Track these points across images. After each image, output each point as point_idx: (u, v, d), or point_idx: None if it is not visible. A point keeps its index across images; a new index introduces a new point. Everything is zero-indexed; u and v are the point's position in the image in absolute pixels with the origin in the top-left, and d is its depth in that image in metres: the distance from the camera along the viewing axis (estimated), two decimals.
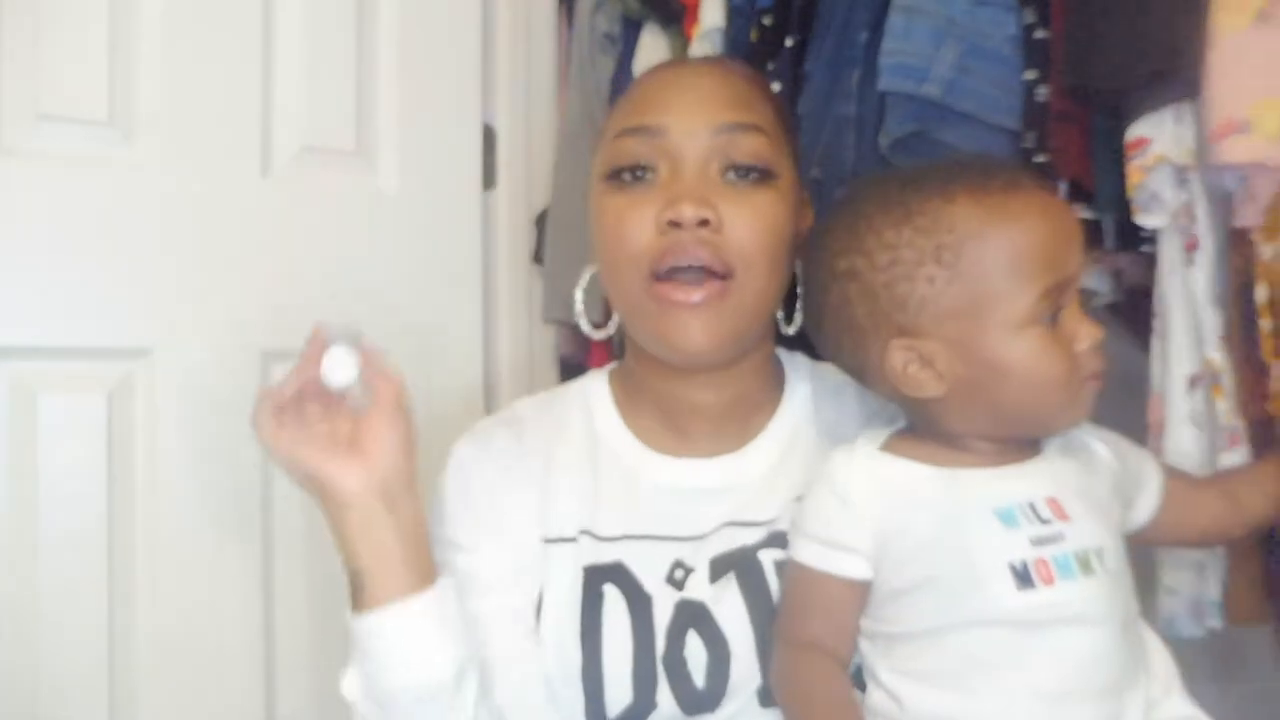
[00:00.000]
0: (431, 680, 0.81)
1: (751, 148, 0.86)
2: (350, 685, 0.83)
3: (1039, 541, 0.73)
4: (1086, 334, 0.76)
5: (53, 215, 1.19)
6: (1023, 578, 0.72)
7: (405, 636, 0.81)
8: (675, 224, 0.83)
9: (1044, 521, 0.74)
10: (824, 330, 0.84)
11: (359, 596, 0.81)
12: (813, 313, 0.85)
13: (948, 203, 0.75)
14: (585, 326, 0.96)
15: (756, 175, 0.86)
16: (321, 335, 0.84)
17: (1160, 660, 0.82)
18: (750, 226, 0.84)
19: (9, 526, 1.16)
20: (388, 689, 0.81)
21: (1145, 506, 0.84)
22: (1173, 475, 0.87)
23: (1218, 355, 1.00)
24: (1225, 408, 1.00)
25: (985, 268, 0.74)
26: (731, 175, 0.85)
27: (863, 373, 0.83)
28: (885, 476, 0.79)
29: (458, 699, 0.82)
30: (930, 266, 0.75)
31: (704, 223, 0.83)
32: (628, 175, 0.87)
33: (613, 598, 0.85)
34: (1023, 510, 0.74)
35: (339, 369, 0.84)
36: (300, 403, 0.85)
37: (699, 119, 0.85)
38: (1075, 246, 0.77)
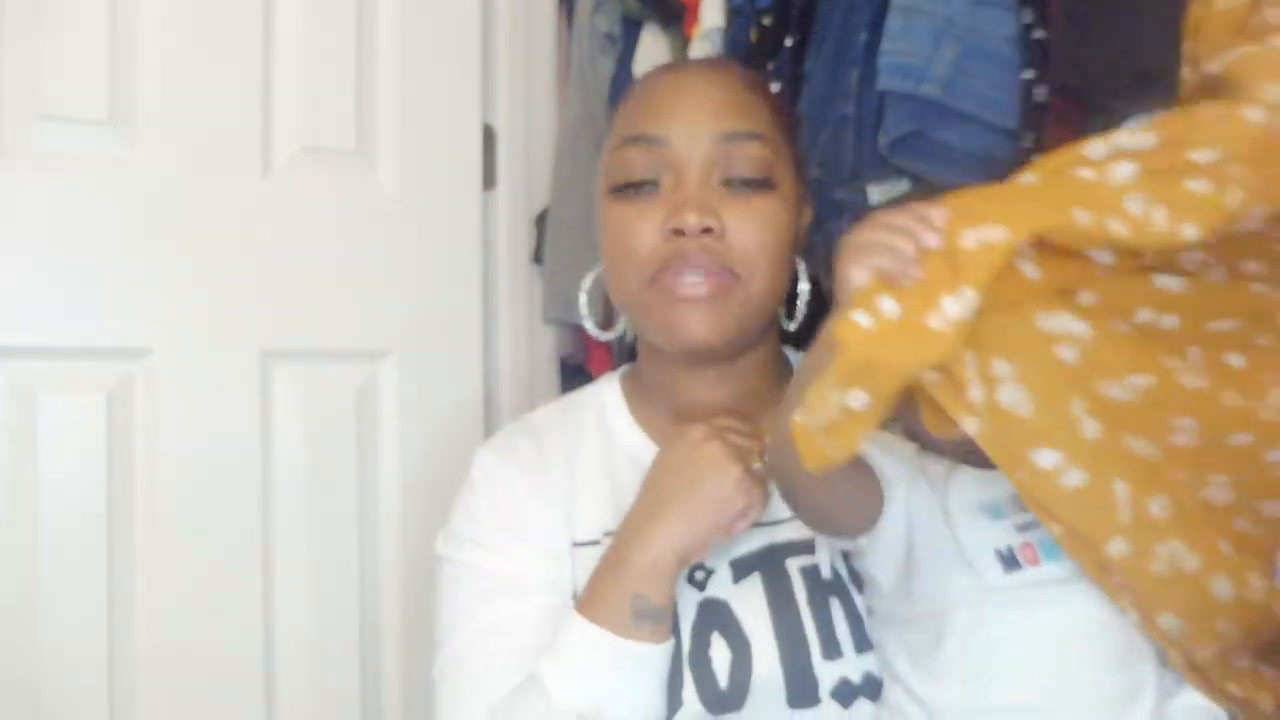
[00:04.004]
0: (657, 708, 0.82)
1: (752, 154, 0.87)
2: (574, 690, 0.79)
3: (1024, 527, 0.77)
4: None
5: (53, 215, 1.19)
6: (1008, 561, 0.76)
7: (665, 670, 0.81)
8: (679, 232, 0.84)
9: (1028, 509, 0.76)
10: None
11: (653, 628, 0.80)
12: None
13: None
14: (591, 327, 0.97)
15: (758, 181, 0.87)
16: None
17: None
18: (753, 232, 0.85)
19: (9, 526, 1.16)
20: (643, 706, 0.80)
21: None
22: None
23: None
24: None
25: None
26: (733, 181, 0.86)
27: None
28: (906, 455, 0.81)
29: None
30: None
31: (707, 230, 0.84)
32: (632, 185, 0.88)
33: None
34: (1008, 502, 0.78)
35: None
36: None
37: (700, 127, 0.86)
38: None
